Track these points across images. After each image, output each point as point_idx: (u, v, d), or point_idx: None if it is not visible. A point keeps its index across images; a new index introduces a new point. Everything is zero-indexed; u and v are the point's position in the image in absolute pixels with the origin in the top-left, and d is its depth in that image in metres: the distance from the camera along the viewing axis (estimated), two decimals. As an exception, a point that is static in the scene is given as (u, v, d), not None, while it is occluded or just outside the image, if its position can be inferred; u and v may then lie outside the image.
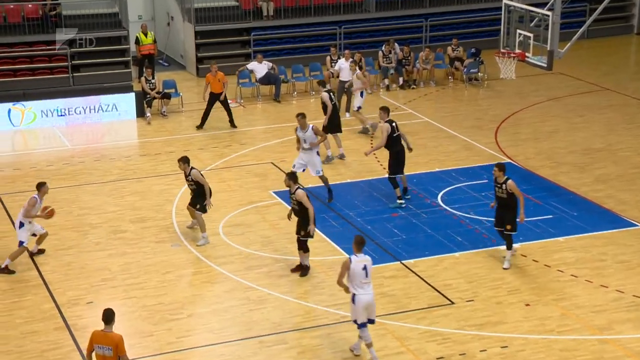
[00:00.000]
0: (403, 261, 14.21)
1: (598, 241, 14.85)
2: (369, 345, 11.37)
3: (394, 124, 15.91)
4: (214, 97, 20.46)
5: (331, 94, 18.31)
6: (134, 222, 15.62)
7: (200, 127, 20.37)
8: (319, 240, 14.83)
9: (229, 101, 21.23)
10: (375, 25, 26.49)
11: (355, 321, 11.33)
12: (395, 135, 15.86)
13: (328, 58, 23.29)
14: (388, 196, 16.54)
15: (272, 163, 18.35)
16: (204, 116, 20.49)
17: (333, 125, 18.14)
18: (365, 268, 11.10)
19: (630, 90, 23.22)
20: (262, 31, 25.46)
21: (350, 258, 11.14)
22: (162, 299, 13.14)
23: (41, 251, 14.44)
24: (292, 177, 13.55)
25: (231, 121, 20.58)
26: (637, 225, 15.33)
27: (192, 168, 14.65)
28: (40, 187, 14.04)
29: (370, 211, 15.95)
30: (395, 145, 15.85)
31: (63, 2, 23.53)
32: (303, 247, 13.71)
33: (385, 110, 16.12)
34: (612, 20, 28.70)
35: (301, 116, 16.01)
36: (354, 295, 11.14)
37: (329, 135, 17.95)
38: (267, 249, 14.65)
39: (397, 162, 15.87)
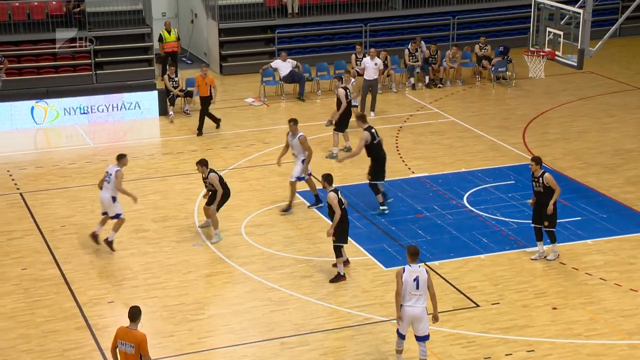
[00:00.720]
0: (428, 263, 14.19)
1: (628, 244, 14.73)
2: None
3: (373, 131, 15.86)
4: (203, 101, 19.86)
5: (347, 91, 18.35)
6: (155, 221, 15.73)
7: (199, 133, 19.83)
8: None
9: (251, 100, 21.19)
10: (402, 23, 26.44)
11: (398, 330, 11.22)
12: (375, 142, 15.79)
13: (353, 56, 23.29)
14: (413, 197, 16.52)
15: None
16: (200, 121, 19.87)
17: (344, 123, 18.14)
18: (416, 280, 10.87)
19: (662, 90, 23.05)
20: (286, 29, 25.52)
21: (403, 268, 10.98)
22: (183, 299, 13.23)
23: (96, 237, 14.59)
24: (327, 178, 13.59)
25: (216, 123, 20.08)
26: (669, 228, 15.19)
27: (210, 171, 14.73)
28: (121, 158, 14.47)
29: (394, 212, 15.94)
30: (376, 152, 15.78)
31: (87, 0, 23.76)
32: (335, 252, 13.63)
33: (361, 118, 16.11)
34: (645, 17, 28.44)
35: (293, 122, 15.88)
36: (401, 305, 11.00)
37: (340, 133, 18.01)
38: (290, 249, 14.69)
39: (378, 168, 15.79)
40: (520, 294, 13.27)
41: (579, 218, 15.55)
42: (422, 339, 11.12)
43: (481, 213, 15.82)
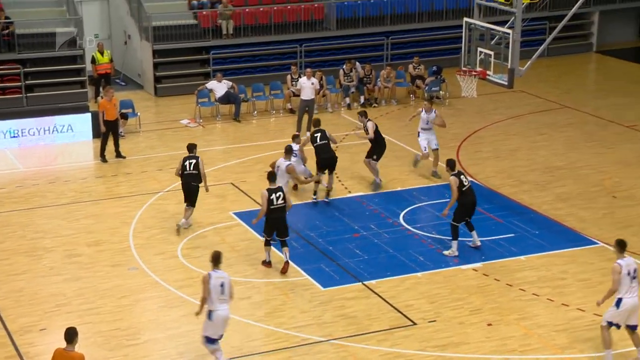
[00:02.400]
0: (365, 282, 14.23)
1: (559, 259, 15.03)
2: None
3: (316, 135, 17.20)
4: (109, 125, 19.23)
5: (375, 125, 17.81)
6: (89, 246, 15.45)
7: (103, 159, 19.26)
8: (279, 261, 14.80)
9: (186, 121, 21.08)
10: (336, 44, 26.63)
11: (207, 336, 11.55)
12: (319, 144, 17.10)
13: (289, 77, 23.35)
14: (350, 216, 16.59)
15: (231, 184, 18.30)
16: (102, 147, 19.22)
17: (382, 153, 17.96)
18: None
19: (590, 108, 23.61)
20: (221, 50, 25.46)
21: (209, 274, 11.50)
22: (118, 324, 13.00)
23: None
24: (269, 177, 14.60)
25: (117, 151, 19.46)
26: (598, 243, 15.55)
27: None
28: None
29: (331, 232, 15.98)
30: (322, 153, 17.10)
31: (16, 21, 23.32)
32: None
33: (316, 124, 17.56)
34: (571, 38, 29.20)
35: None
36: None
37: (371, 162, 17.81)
38: (227, 271, 14.50)
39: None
40: (456, 311, 13.40)
41: (512, 235, 15.81)
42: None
43: (417, 231, 15.96)
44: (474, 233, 15.21)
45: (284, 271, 14.42)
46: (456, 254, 15.02)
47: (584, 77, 27.86)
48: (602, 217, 16.68)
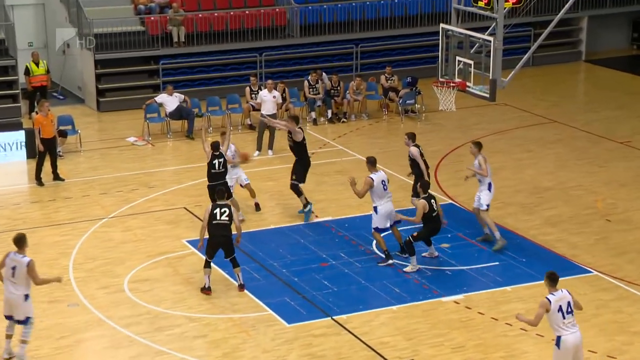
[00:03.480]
0: (334, 317, 14.23)
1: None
2: None
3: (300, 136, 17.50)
4: (46, 144, 19.03)
5: (420, 148, 17.20)
6: (24, 280, 15.24)
7: (39, 182, 19.12)
8: (238, 295, 14.76)
9: (133, 139, 20.99)
10: (300, 52, 26.78)
11: None
12: (304, 142, 17.59)
13: (248, 89, 23.41)
14: (317, 244, 16.60)
15: (185, 208, 18.24)
16: (38, 168, 19.08)
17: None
18: (563, 308, 11.37)
19: (580, 122, 23.95)
20: (172, 59, 25.46)
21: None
22: (57, 368, 12.84)
23: (258, 206, 17.62)
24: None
25: (55, 173, 19.30)
26: (591, 272, 15.72)
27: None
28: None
29: (296, 261, 15.97)
30: (301, 153, 17.54)
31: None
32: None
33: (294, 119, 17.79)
34: (558, 46, 29.67)
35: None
36: (558, 337, 11.44)
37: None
38: (180, 306, 14.50)
39: (303, 169, 17.50)
40: (436, 349, 13.44)
41: (497, 263, 15.93)
42: None
43: (393, 260, 15.99)
44: (432, 246, 15.94)
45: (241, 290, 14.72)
46: (418, 267, 15.47)
47: (573, 88, 28.27)
48: (595, 242, 16.88)
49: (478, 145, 16.72)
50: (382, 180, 15.84)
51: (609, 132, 23.04)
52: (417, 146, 17.07)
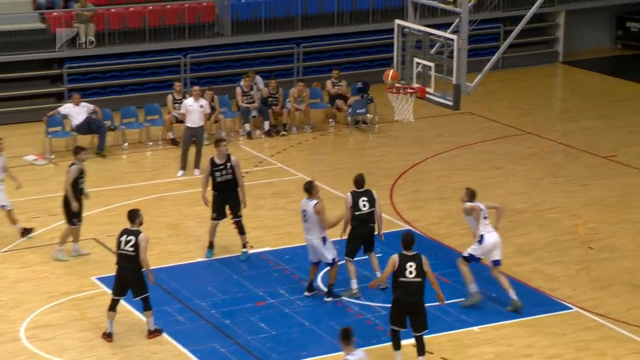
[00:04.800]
0: (273, 366, 14.19)
1: (523, 330, 15.26)
2: None
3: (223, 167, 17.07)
4: None
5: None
6: None
7: None
8: (157, 342, 14.61)
9: (32, 157, 20.71)
10: (232, 54, 26.77)
11: None
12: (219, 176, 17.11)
13: (170, 97, 23.31)
14: (252, 279, 16.53)
15: (94, 239, 18.07)
16: None
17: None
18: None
19: (557, 134, 24.25)
20: (79, 62, 25.26)
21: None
22: None
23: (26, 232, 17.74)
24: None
25: None
26: (571, 308, 15.86)
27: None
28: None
29: (228, 300, 15.88)
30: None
31: None
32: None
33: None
34: (532, 45, 30.07)
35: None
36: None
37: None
38: (88, 356, 14.31)
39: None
40: (392, 401, 13.43)
41: (462, 299, 15.99)
42: None
43: (341, 297, 15.98)
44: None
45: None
46: (359, 294, 15.82)
47: (549, 94, 28.64)
48: (575, 273, 17.06)
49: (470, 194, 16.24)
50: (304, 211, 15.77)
51: (590, 146, 23.37)
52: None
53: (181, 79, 25.19)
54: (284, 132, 24.02)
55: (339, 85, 24.76)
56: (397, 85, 18.45)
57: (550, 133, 24.24)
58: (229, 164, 17.07)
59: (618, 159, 22.56)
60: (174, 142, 23.15)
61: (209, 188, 17.24)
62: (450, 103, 17.73)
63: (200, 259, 17.34)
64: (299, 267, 16.98)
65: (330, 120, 24.71)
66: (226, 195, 17.16)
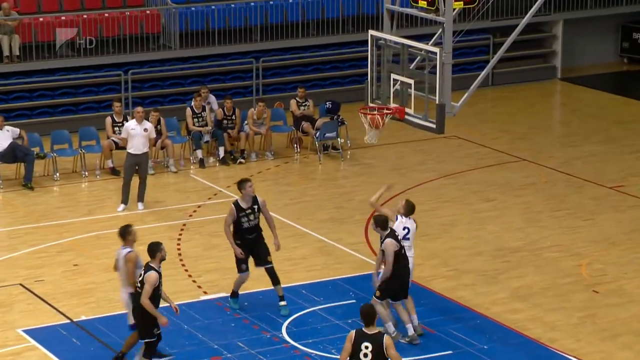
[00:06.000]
0: None
1: (520, 387, 15.34)
2: None
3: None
4: None
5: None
6: None
7: None
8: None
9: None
10: (181, 69, 26.78)
11: None
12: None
13: (109, 120, 23.25)
14: (206, 330, 16.45)
15: (21, 285, 17.95)
16: None
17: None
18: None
19: (556, 161, 24.39)
20: (2, 80, 25.15)
21: None
22: None
23: None
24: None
25: None
26: (575, 361, 15.95)
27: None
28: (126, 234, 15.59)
29: (178, 355, 15.78)
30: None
31: None
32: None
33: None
34: (526, 59, 30.30)
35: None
36: None
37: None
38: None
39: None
40: None
41: (450, 352, 16.00)
42: None
43: (308, 350, 15.95)
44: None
45: None
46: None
47: (547, 115, 28.80)
48: (579, 322, 17.10)
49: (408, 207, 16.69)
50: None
51: (595, 174, 23.53)
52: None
53: (122, 99, 25.14)
54: (242, 160, 24.02)
55: (305, 106, 24.80)
56: (371, 105, 18.50)
57: (549, 160, 24.40)
58: (256, 207, 16.86)
59: (626, 189, 22.73)
60: (113, 171, 23.07)
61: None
62: (434, 126, 17.77)
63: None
64: (260, 315, 16.94)
65: (295, 145, 24.75)
66: (253, 242, 16.95)
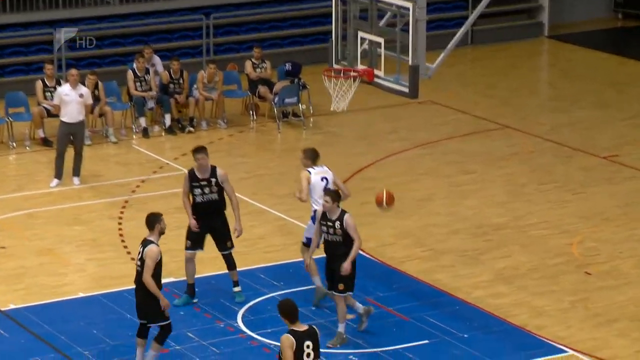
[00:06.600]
0: None
1: (504, 380, 15.42)
2: None
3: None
4: None
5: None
6: None
7: None
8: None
9: None
10: (121, 27, 26.64)
11: None
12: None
13: (39, 84, 23.10)
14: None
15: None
16: None
17: None
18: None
19: (543, 128, 24.50)
20: None
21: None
22: None
23: None
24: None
25: None
26: (565, 352, 15.89)
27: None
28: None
29: (119, 347, 15.71)
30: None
31: None
32: None
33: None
34: (509, 15, 30.33)
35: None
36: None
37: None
38: None
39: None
40: None
41: (426, 341, 16.02)
42: None
43: (267, 341, 15.94)
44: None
45: None
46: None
47: (532, 77, 28.89)
48: (570, 306, 17.17)
49: (310, 154, 16.76)
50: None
51: (585, 143, 23.64)
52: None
53: (54, 60, 24.99)
54: (191, 129, 23.97)
55: (261, 68, 24.74)
56: (336, 66, 18.48)
57: (535, 127, 24.48)
58: (213, 180, 16.65)
59: (620, 159, 22.85)
60: (45, 142, 22.97)
61: None
62: (406, 89, 17.79)
63: (82, 294, 17.17)
64: (212, 302, 16.93)
65: (251, 112, 24.71)
66: (209, 221, 16.79)
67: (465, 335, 16.15)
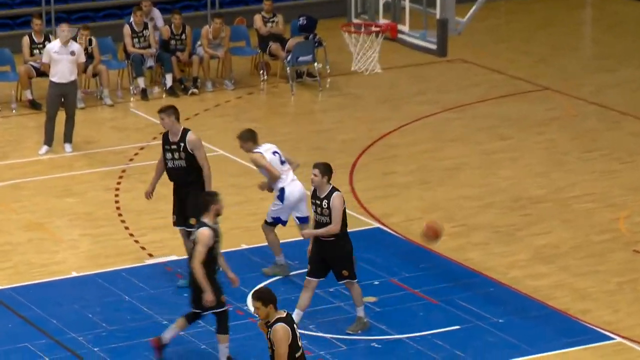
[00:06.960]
0: None
1: (544, 369, 15.40)
2: None
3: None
4: None
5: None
6: None
7: None
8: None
9: None
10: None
11: None
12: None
13: (26, 40, 23.15)
14: (152, 300, 16.47)
15: None
16: None
17: None
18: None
19: (587, 90, 24.47)
20: None
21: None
22: None
23: None
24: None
25: None
26: (613, 339, 15.92)
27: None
28: None
29: (116, 332, 15.78)
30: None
31: None
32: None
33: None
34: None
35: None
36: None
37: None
38: None
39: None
40: None
41: (457, 327, 16.04)
42: None
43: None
44: None
45: None
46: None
47: (575, 33, 28.80)
48: (617, 288, 17.16)
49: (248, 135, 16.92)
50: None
51: (635, 106, 23.59)
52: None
53: (42, 14, 24.99)
54: (195, 90, 24.00)
55: (272, 22, 24.71)
56: (356, 21, 18.46)
57: (577, 88, 24.46)
58: (182, 144, 16.49)
59: (676, 123, 22.88)
60: (33, 104, 23.02)
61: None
62: (434, 46, 17.84)
63: (75, 273, 17.21)
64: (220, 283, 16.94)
65: (262, 72, 24.70)
66: (178, 191, 16.74)
67: (501, 320, 16.16)
